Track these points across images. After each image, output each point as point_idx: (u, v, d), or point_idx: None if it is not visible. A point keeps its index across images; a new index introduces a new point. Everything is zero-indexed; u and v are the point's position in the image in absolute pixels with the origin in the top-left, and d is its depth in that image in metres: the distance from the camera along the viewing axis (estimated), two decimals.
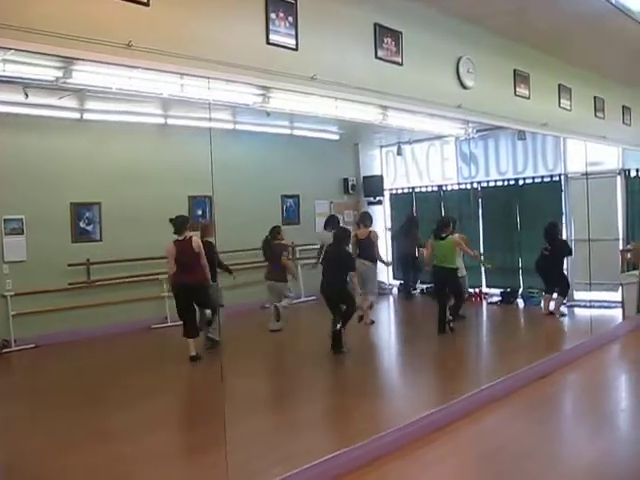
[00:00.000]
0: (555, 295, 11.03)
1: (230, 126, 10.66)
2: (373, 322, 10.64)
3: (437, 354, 8.83)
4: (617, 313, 10.90)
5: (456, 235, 10.01)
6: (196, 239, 8.59)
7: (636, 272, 11.07)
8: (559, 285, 10.94)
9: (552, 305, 10.95)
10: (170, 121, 10.25)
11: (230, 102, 6.06)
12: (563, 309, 11.08)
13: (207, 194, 8.59)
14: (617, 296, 11.15)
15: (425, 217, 12.34)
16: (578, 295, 10.78)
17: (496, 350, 8.95)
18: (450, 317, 9.73)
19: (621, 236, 11.84)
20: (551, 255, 10.78)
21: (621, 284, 11.03)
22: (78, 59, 4.25)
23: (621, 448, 5.60)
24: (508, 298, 12.28)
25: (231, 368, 6.77)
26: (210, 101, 5.36)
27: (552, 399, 7.09)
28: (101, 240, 10.72)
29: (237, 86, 5.41)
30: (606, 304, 11.34)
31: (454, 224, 10.12)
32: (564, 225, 11.90)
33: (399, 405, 6.55)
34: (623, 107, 11.34)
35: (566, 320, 10.68)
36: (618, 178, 12.09)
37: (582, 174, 11.56)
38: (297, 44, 5.50)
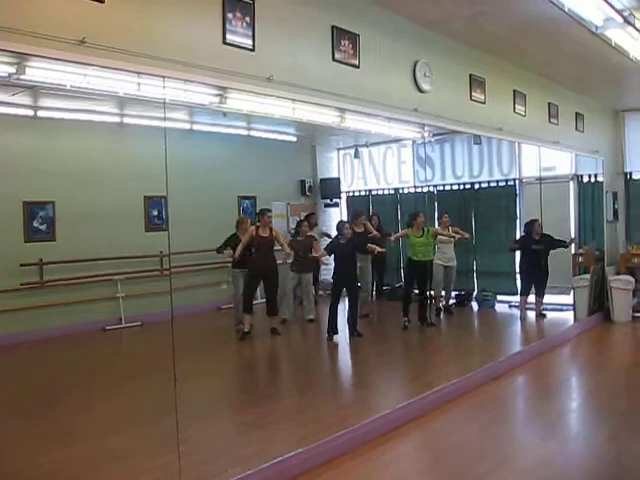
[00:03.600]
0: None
1: (187, 126, 10.58)
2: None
3: (394, 354, 8.88)
4: (569, 316, 11.11)
5: (434, 228, 10.78)
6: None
7: (587, 276, 11.29)
8: (542, 283, 10.82)
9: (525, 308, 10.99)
10: (126, 120, 10.13)
11: (186, 102, 6.01)
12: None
13: (163, 194, 8.53)
14: (569, 299, 11.36)
15: (382, 219, 12.35)
16: (531, 298, 10.92)
17: (450, 352, 9.04)
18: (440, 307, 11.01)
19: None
20: (542, 251, 10.64)
21: (573, 287, 11.23)
22: (31, 55, 4.19)
23: (571, 447, 5.71)
24: (463, 301, 12.41)
25: (192, 368, 6.72)
26: (166, 100, 5.32)
27: (504, 400, 7.20)
28: (55, 240, 10.55)
29: (194, 86, 5.39)
30: (558, 307, 11.53)
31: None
32: (517, 229, 12.06)
33: (355, 405, 6.58)
34: (576, 114, 11.57)
35: (519, 323, 10.82)
36: (571, 183, 12.31)
37: (536, 179, 11.75)
38: (254, 45, 5.50)
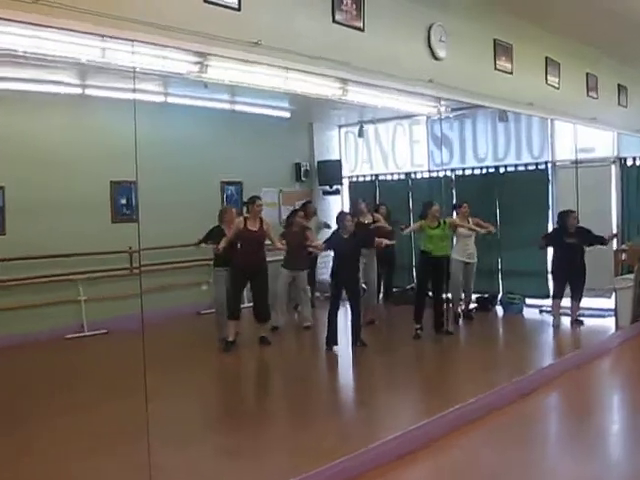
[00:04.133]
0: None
1: (160, 99, 10.55)
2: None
3: (404, 368, 8.89)
4: (609, 323, 11.11)
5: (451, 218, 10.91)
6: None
7: (631, 276, 11.26)
8: (579, 284, 10.77)
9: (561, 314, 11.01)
10: (89, 92, 10.09)
11: (160, 70, 6.02)
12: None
13: (133, 179, 8.52)
14: (610, 303, 11.36)
15: (391, 209, 12.35)
16: (565, 302, 10.93)
17: (473, 364, 9.04)
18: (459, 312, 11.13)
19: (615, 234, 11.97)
20: (578, 246, 10.60)
21: (614, 289, 11.21)
22: None
23: (611, 475, 5.71)
24: (485, 305, 12.43)
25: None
26: (136, 69, 5.31)
27: (534, 420, 7.19)
28: (4, 233, 10.55)
29: (169, 51, 5.38)
30: (597, 312, 11.52)
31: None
32: (549, 221, 12.06)
33: (359, 427, 6.58)
34: (619, 86, 11.56)
35: (551, 331, 10.83)
36: (612, 167, 12.32)
37: (572, 162, 11.77)
38: (239, 3, 5.49)
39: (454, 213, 11.50)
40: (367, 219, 10.76)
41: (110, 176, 11.18)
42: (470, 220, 11.15)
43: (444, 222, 10.25)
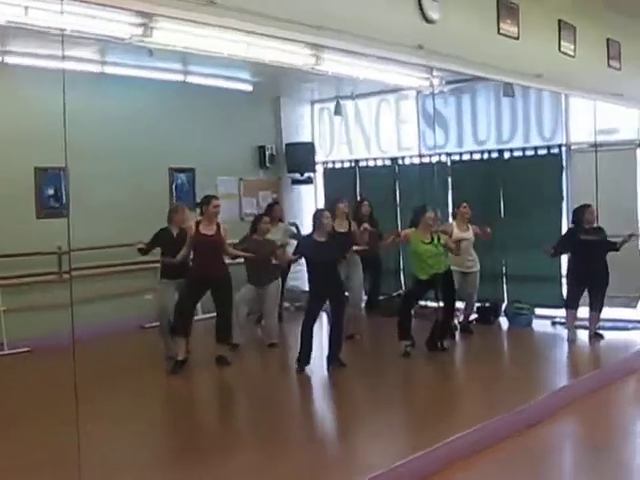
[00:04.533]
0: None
1: (96, 68, 10.56)
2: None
3: (390, 392, 8.91)
4: (635, 337, 11.24)
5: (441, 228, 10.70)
6: None
7: None
8: (599, 292, 10.72)
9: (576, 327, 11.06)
10: (9, 59, 10.08)
11: (96, 34, 6.01)
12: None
13: (62, 165, 8.49)
14: (635, 314, 11.45)
15: (373, 203, 12.35)
16: (583, 312, 10.97)
17: (471, 387, 9.10)
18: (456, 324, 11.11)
19: None
20: (596, 244, 10.53)
21: None
22: None
23: None
24: (487, 316, 12.50)
25: None
26: (65, 31, 5.29)
27: (543, 455, 7.20)
28: None
29: (106, 11, 5.37)
30: (620, 324, 11.63)
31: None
32: (563, 215, 12.13)
33: (335, 465, 6.59)
34: None
35: (565, 346, 10.87)
36: (638, 151, 12.39)
37: (590, 145, 11.85)
38: None
39: (450, 217, 11.56)
40: (343, 228, 10.60)
41: (34, 162, 11.14)
42: (470, 228, 11.22)
43: (438, 239, 10.11)
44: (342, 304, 9.71)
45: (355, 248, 9.75)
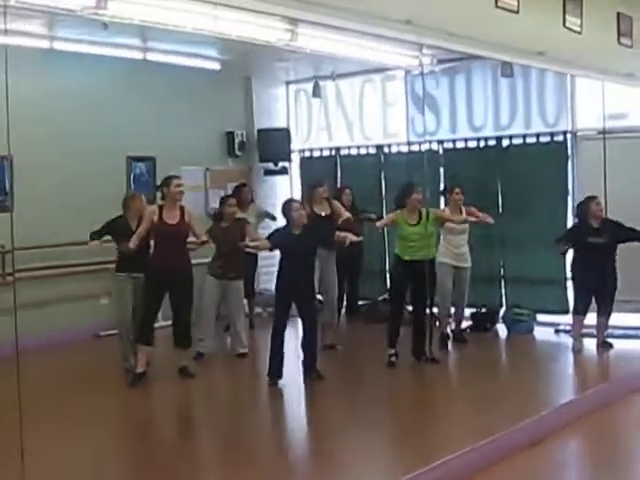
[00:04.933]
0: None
1: (44, 44, 10.51)
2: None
3: (373, 408, 8.90)
4: None
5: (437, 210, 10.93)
6: None
7: None
8: (608, 296, 10.77)
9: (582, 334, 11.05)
10: None
11: (43, 5, 5.98)
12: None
13: (4, 153, 8.39)
14: None
15: (356, 196, 12.36)
16: (591, 319, 10.97)
17: (465, 403, 9.11)
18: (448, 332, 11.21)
19: None
20: (606, 246, 10.57)
21: None
22: None
23: None
24: (483, 323, 12.53)
25: None
26: (8, 1, 5.26)
27: (545, 477, 7.26)
28: None
29: None
30: (631, 332, 11.68)
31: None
32: (569, 210, 12.17)
33: None
34: None
35: (571, 357, 10.89)
36: None
37: (599, 132, 11.87)
38: None
39: (442, 201, 11.57)
40: (325, 210, 10.70)
41: None
42: (463, 210, 11.18)
43: (427, 215, 10.20)
44: (312, 309, 9.74)
45: (351, 238, 9.68)
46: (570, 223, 11.80)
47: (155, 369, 9.83)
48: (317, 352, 9.71)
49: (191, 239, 9.81)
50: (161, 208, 9.54)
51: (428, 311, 10.45)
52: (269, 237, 9.69)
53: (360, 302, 13.19)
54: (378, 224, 10.86)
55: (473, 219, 11.04)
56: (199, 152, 13.76)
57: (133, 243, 9.35)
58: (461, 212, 11.15)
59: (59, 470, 6.84)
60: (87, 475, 6.96)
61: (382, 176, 14.10)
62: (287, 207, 9.54)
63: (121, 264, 9.82)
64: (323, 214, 10.59)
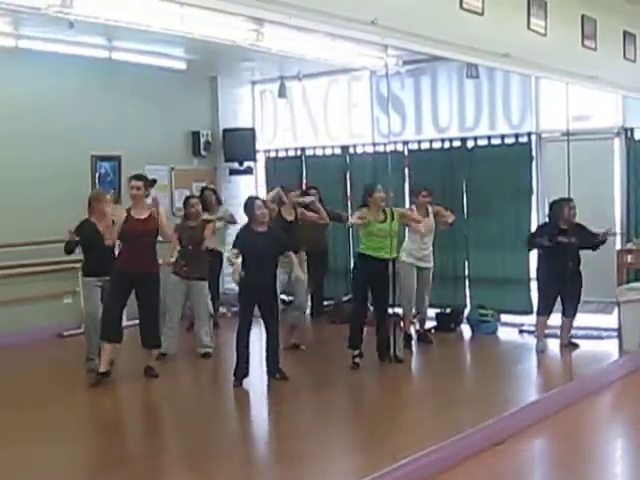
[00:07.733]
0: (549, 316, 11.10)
1: (9, 42, 10.44)
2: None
3: (337, 408, 8.91)
4: (611, 346, 11.31)
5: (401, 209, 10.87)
6: None
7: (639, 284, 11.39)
8: (573, 297, 10.80)
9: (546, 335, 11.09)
10: None
11: (8, 3, 5.95)
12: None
13: None
14: (612, 320, 11.53)
15: (322, 195, 12.30)
16: (554, 319, 11.00)
17: (428, 403, 9.14)
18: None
19: (618, 229, 12.17)
20: (573, 246, 10.50)
21: (617, 302, 11.35)
22: None
23: None
24: (447, 323, 12.54)
25: None
26: None
27: (510, 477, 7.25)
28: None
29: None
30: (595, 333, 11.73)
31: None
32: (532, 210, 12.17)
33: None
34: (625, 34, 11.65)
35: (534, 357, 10.91)
36: (616, 141, 12.51)
37: (562, 134, 11.86)
38: None
39: (407, 201, 11.56)
40: (291, 215, 10.69)
41: None
42: (430, 210, 11.17)
43: (392, 214, 10.15)
44: (274, 310, 9.67)
45: (322, 220, 9.68)
46: (534, 224, 11.83)
47: (120, 369, 9.76)
48: (280, 352, 9.67)
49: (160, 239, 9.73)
50: (129, 210, 9.49)
51: (392, 311, 10.43)
52: (234, 244, 9.57)
53: (325, 302, 13.16)
54: (350, 220, 10.76)
55: (442, 226, 11.12)
56: (164, 151, 13.74)
57: (112, 237, 9.37)
58: (428, 214, 11.14)
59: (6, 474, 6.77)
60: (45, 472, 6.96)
61: (347, 176, 14.11)
62: (250, 205, 9.51)
63: (88, 268, 9.74)
64: (289, 219, 10.57)
